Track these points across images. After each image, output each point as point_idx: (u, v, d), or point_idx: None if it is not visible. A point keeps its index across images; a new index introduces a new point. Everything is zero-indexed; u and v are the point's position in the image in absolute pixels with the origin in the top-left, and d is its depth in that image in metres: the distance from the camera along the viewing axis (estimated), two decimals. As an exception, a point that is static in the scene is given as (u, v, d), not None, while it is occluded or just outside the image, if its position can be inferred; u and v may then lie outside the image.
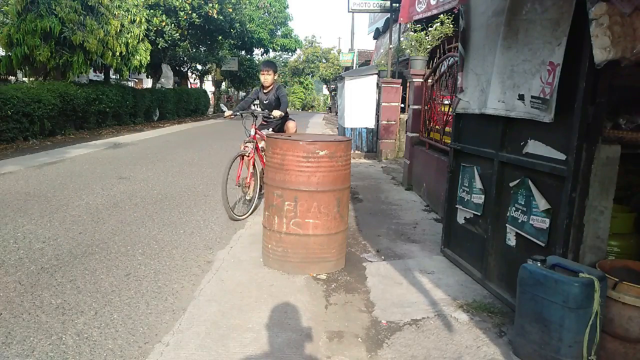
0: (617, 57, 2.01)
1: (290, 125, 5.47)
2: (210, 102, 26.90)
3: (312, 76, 44.61)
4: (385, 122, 9.48)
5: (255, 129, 4.96)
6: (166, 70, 20.23)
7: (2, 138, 8.86)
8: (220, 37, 21.42)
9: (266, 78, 5.22)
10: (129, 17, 12.67)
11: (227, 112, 5.35)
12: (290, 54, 36.83)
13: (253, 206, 4.87)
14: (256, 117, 5.14)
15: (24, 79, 14.78)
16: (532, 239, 2.61)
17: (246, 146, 4.81)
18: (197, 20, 17.53)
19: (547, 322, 2.08)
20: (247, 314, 2.67)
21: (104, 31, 11.58)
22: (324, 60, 38.69)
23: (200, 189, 5.99)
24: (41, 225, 4.12)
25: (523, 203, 2.69)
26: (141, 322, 2.54)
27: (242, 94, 38.64)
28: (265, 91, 5.31)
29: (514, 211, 2.77)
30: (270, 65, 5.40)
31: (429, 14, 8.56)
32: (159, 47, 16.21)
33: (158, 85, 20.10)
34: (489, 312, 2.73)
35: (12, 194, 5.20)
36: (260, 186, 5.17)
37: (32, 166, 6.97)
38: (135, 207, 4.91)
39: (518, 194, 2.74)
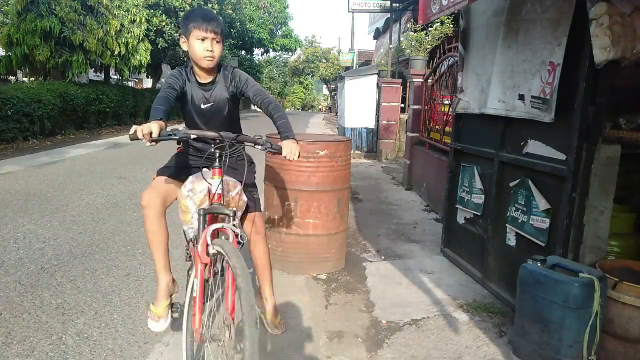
0: (617, 57, 2.02)
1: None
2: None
3: (312, 76, 44.58)
4: (385, 122, 9.49)
5: (222, 177, 1.97)
6: (166, 70, 20.20)
7: (2, 138, 8.86)
8: (220, 37, 21.40)
9: (212, 50, 2.09)
10: (129, 17, 12.68)
11: (143, 131, 1.73)
12: (290, 53, 36.86)
13: None
14: (220, 153, 1.95)
15: (23, 78, 14.80)
16: (532, 239, 2.61)
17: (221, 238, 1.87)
18: (197, 20, 17.51)
19: (547, 322, 2.08)
20: (247, 314, 2.66)
21: (103, 31, 11.60)
22: (324, 60, 38.65)
23: (200, 189, 5.98)
24: (41, 225, 4.12)
25: (523, 203, 2.69)
26: (141, 322, 2.54)
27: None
28: (203, 80, 2.21)
29: (514, 211, 2.77)
30: (217, 22, 2.12)
31: (442, 14, 8.61)
32: (159, 47, 16.23)
33: (158, 85, 20.09)
34: (489, 312, 2.73)
35: (12, 194, 5.20)
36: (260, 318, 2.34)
37: (32, 166, 6.96)
38: (135, 207, 4.91)
39: (518, 194, 2.74)
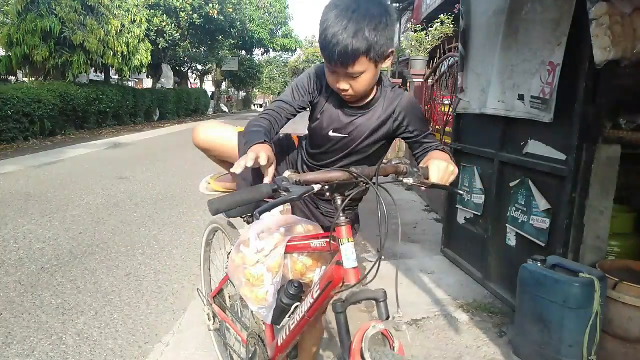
0: (617, 57, 2.01)
1: None
2: (210, 102, 26.87)
3: (312, 76, 44.53)
4: (385, 122, 9.47)
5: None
6: (166, 70, 20.22)
7: (2, 138, 8.87)
8: (220, 37, 21.44)
9: (345, 90, 1.35)
10: (129, 17, 12.69)
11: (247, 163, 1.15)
12: (290, 53, 36.82)
13: None
14: (343, 199, 1.19)
15: (23, 78, 14.80)
16: (532, 238, 2.61)
17: None
18: (198, 20, 17.56)
19: (547, 322, 2.08)
20: (247, 313, 2.66)
21: (104, 31, 11.60)
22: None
23: (200, 188, 5.98)
24: (41, 225, 4.12)
25: (523, 203, 2.69)
26: (141, 321, 2.55)
27: (242, 93, 38.59)
28: (355, 103, 1.45)
29: (514, 211, 2.77)
30: (351, 54, 1.22)
31: (426, 13, 8.71)
32: (159, 47, 16.24)
33: (158, 85, 20.10)
34: (489, 312, 2.73)
35: (12, 193, 5.20)
36: None
37: (32, 166, 6.96)
38: (135, 207, 4.91)
39: (518, 194, 2.74)
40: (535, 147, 2.62)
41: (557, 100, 2.33)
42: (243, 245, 1.42)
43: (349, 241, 1.18)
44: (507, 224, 2.85)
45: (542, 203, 2.52)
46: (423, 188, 1.18)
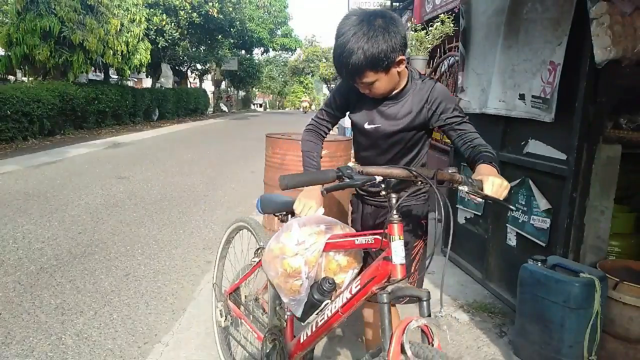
0: (618, 56, 2.01)
1: None
2: (210, 101, 26.82)
3: (312, 75, 44.61)
4: (385, 122, 9.46)
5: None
6: (166, 69, 20.19)
7: (1, 138, 8.84)
8: (220, 37, 21.43)
9: (368, 91, 1.51)
10: (129, 16, 12.67)
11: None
12: (290, 53, 36.83)
13: None
14: (398, 197, 1.31)
15: (23, 78, 14.78)
16: (532, 239, 2.61)
17: None
18: (197, 19, 17.54)
19: (547, 323, 2.08)
20: (247, 314, 2.65)
21: (103, 30, 11.57)
22: (324, 60, 38.58)
23: (199, 189, 5.98)
24: (40, 225, 4.11)
25: (524, 203, 2.68)
26: (141, 322, 2.54)
27: (242, 93, 38.62)
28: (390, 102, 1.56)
29: (515, 211, 2.76)
30: (356, 69, 1.38)
31: (435, 14, 8.63)
32: (159, 46, 16.22)
33: (157, 85, 20.08)
34: (489, 313, 2.73)
35: (12, 193, 5.19)
36: None
37: (32, 166, 6.95)
38: (135, 207, 4.90)
39: (519, 194, 2.73)
40: (536, 147, 2.61)
41: (558, 100, 2.32)
42: (284, 236, 1.45)
43: (400, 239, 1.25)
44: (507, 224, 2.85)
45: (542, 203, 2.52)
46: (478, 198, 1.28)
